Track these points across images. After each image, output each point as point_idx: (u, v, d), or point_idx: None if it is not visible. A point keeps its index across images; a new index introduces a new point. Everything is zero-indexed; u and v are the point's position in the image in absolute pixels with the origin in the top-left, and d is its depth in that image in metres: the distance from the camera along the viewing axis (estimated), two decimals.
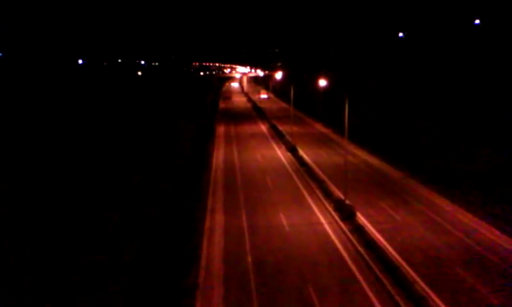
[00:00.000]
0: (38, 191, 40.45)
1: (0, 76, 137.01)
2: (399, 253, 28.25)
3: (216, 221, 34.51)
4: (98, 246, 29.01)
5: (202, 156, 57.40)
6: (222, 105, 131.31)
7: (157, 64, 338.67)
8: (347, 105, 36.98)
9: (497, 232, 31.65)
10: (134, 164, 51.82)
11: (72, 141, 63.99)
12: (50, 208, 36.03)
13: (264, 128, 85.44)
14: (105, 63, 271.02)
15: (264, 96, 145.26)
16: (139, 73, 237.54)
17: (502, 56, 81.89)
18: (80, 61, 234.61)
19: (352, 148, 60.21)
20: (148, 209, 36.22)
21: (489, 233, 31.64)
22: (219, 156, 59.07)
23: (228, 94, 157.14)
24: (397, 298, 22.84)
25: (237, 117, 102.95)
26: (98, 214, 34.77)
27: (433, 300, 22.69)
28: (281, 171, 50.90)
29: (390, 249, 28.92)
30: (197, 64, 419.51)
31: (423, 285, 24.26)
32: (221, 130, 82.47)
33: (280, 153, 60.61)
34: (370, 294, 23.57)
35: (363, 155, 57.94)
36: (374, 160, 55.17)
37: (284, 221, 34.28)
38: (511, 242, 29.97)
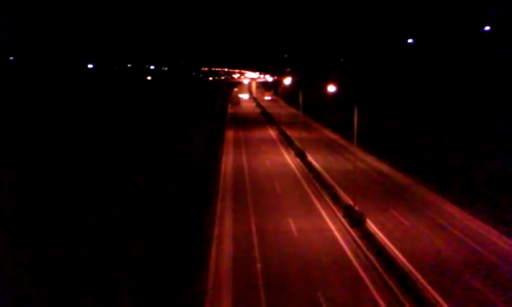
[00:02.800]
0: (48, 197, 40.75)
1: (12, 79, 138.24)
2: (409, 260, 28.16)
3: (225, 226, 34.61)
4: (106, 250, 29.15)
5: (211, 161, 57.56)
6: (231, 110, 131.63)
7: (166, 69, 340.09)
8: (356, 112, 36.99)
9: (508, 239, 31.47)
10: (143, 167, 52.04)
11: (81, 146, 64.39)
12: (58, 212, 36.28)
13: (272, 133, 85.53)
14: (115, 68, 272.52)
15: (267, 98, 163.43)
16: (149, 77, 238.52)
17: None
18: (90, 66, 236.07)
19: (362, 154, 60.12)
20: (157, 214, 36.37)
21: (499, 240, 31.46)
22: (228, 161, 59.22)
23: (237, 100, 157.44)
24: (408, 306, 22.77)
25: (246, 122, 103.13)
26: (106, 218, 34.94)
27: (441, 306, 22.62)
28: (290, 176, 50.93)
29: (400, 255, 28.84)
30: (206, 69, 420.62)
31: (433, 292, 24.17)
32: (230, 135, 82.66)
33: (289, 159, 60.64)
34: (380, 301, 23.51)
35: (373, 162, 57.85)
36: (383, 167, 55.06)
37: (293, 227, 34.30)
38: None
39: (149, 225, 33.76)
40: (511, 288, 24.81)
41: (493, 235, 32.39)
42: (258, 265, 27.73)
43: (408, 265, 27.49)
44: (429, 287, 24.75)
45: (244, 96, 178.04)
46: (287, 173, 52.72)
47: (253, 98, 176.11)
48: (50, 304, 22.79)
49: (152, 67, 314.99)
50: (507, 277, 26.08)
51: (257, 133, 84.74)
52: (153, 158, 57.76)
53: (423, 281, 25.49)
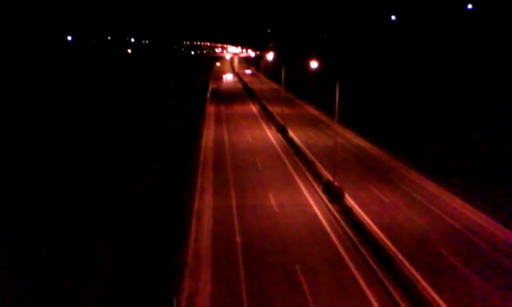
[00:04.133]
0: (27, 167, 40.17)
1: None
2: (386, 234, 28.64)
3: (205, 201, 34.64)
4: (87, 223, 28.98)
5: (192, 136, 57.25)
6: (212, 85, 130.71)
7: (147, 42, 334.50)
8: (338, 89, 37.03)
9: (483, 215, 32.17)
10: (123, 142, 51.58)
11: (60, 121, 63.42)
12: (38, 182, 35.83)
13: (254, 108, 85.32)
14: (94, 40, 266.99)
15: (248, 72, 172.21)
16: (129, 51, 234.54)
17: (493, 40, 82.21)
18: (69, 38, 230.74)
19: (343, 131, 60.47)
20: (137, 187, 36.18)
21: (475, 216, 32.14)
22: (209, 136, 59.00)
23: (219, 75, 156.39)
24: (383, 278, 23.22)
25: (227, 97, 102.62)
26: (87, 191, 34.65)
27: (418, 280, 23.11)
28: (271, 152, 51.03)
29: (377, 230, 29.30)
30: (188, 43, 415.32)
31: (408, 266, 24.67)
32: (211, 110, 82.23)
33: (270, 134, 60.68)
34: (356, 274, 23.92)
35: (353, 138, 58.25)
36: (363, 143, 55.51)
37: (273, 202, 34.49)
38: (496, 225, 30.50)
39: (129, 199, 33.59)
40: (485, 262, 25.46)
41: (469, 211, 33.08)
42: (238, 239, 27.90)
43: (385, 238, 27.96)
44: (405, 261, 25.25)
45: (228, 76, 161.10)
46: (268, 148, 52.80)
47: (235, 74, 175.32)
48: (27, 276, 22.66)
49: (133, 40, 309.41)
50: (480, 251, 26.73)
51: (239, 109, 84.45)
52: (133, 133, 57.21)
53: (399, 254, 25.98)
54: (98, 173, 39.62)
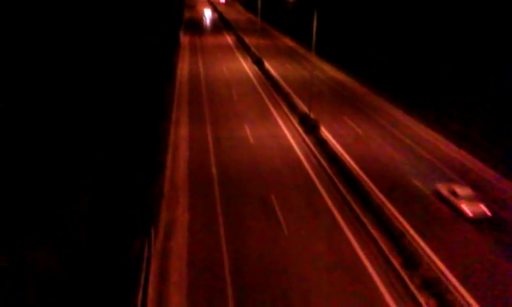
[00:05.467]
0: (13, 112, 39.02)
1: None
2: (359, 165, 29.26)
3: (181, 133, 34.52)
4: (65, 157, 28.69)
5: (166, 67, 56.09)
6: (187, 14, 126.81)
7: None
8: (315, 20, 36.42)
9: (454, 147, 33.05)
10: (96, 75, 50.26)
11: (34, 58, 61.04)
12: (19, 129, 34.99)
13: (230, 40, 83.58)
14: None
15: (222, 0, 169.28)
16: None
17: None
18: None
19: (320, 63, 60.08)
20: (112, 121, 35.68)
21: (446, 147, 32.98)
22: (183, 68, 57.94)
23: (193, 3, 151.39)
24: (354, 206, 23.93)
25: (202, 28, 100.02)
26: (64, 126, 34.05)
27: (388, 208, 23.93)
28: (246, 83, 50.59)
29: (350, 160, 29.88)
30: None
31: (379, 194, 25.44)
32: (185, 41, 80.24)
33: (246, 66, 59.91)
34: (330, 202, 24.59)
35: (330, 71, 58.01)
36: (340, 76, 55.40)
37: (249, 133, 34.60)
38: (466, 156, 31.43)
39: (106, 131, 33.19)
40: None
41: (441, 142, 33.89)
42: (214, 170, 28.13)
43: (358, 169, 28.59)
44: (375, 189, 25.99)
45: (207, 12, 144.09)
46: (244, 80, 52.28)
47: (209, 3, 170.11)
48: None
49: None
50: (450, 181, 27.66)
51: (214, 40, 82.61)
52: (106, 66, 55.67)
53: (370, 183, 26.69)
54: (72, 108, 38.78)
